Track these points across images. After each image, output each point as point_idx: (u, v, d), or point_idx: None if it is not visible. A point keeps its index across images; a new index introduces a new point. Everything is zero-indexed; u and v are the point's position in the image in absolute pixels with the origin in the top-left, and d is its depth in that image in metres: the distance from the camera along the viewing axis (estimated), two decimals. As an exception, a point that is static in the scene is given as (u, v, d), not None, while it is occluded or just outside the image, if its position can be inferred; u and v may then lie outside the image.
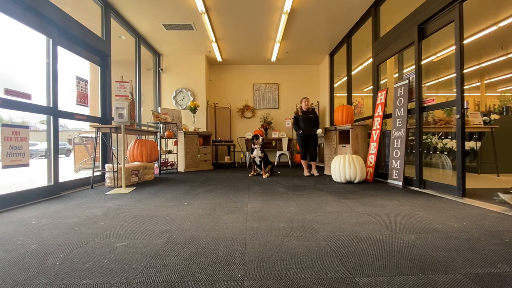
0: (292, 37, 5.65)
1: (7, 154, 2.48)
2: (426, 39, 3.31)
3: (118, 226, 1.85)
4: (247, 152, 6.73)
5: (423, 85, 3.33)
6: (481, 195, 2.76)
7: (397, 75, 4.47)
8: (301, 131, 4.69)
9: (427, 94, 3.37)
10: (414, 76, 3.39)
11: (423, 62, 3.33)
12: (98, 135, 3.70)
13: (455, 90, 2.71)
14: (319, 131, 5.73)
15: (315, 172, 4.84)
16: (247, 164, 6.85)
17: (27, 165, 2.71)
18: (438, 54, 6.38)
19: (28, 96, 2.82)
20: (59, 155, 3.22)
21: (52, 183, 3.08)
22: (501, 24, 5.03)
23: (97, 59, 4.07)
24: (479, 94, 9.16)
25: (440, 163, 5.83)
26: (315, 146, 4.80)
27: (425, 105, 3.24)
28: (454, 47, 2.70)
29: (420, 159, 3.24)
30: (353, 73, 5.56)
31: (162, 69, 6.60)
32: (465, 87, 2.64)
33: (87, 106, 3.70)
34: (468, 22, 5.07)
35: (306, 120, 4.73)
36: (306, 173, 4.84)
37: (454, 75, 2.70)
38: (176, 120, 6.16)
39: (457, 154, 2.70)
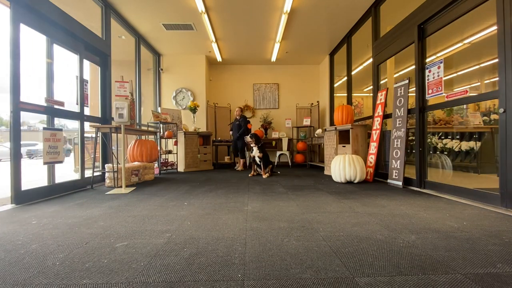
0: (292, 37, 5.65)
1: (47, 153, 2.93)
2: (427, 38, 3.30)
3: (118, 226, 1.85)
4: (247, 152, 6.73)
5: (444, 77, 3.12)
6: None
7: (397, 75, 4.46)
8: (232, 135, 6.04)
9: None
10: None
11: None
12: (98, 135, 3.70)
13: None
14: (319, 131, 5.76)
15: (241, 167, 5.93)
16: (247, 164, 6.84)
17: (61, 162, 3.12)
18: (442, 52, 6.37)
19: (62, 104, 3.25)
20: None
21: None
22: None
23: (97, 59, 4.08)
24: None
25: (440, 163, 5.82)
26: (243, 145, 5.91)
27: (451, 98, 2.91)
28: (496, 27, 2.40)
29: (420, 159, 3.24)
30: (353, 73, 5.56)
31: (162, 69, 6.59)
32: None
33: (87, 106, 3.72)
34: (469, 22, 5.07)
35: (236, 126, 5.88)
36: (240, 167, 5.96)
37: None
38: (176, 120, 6.16)
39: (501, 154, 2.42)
